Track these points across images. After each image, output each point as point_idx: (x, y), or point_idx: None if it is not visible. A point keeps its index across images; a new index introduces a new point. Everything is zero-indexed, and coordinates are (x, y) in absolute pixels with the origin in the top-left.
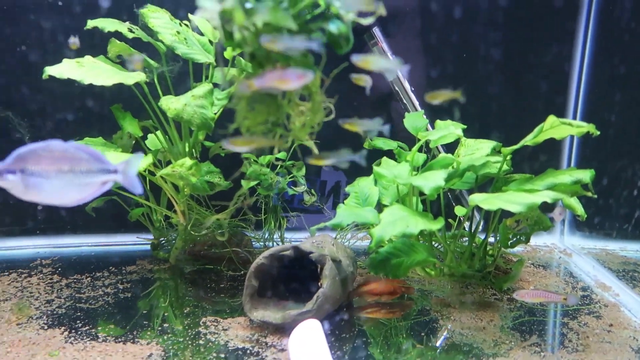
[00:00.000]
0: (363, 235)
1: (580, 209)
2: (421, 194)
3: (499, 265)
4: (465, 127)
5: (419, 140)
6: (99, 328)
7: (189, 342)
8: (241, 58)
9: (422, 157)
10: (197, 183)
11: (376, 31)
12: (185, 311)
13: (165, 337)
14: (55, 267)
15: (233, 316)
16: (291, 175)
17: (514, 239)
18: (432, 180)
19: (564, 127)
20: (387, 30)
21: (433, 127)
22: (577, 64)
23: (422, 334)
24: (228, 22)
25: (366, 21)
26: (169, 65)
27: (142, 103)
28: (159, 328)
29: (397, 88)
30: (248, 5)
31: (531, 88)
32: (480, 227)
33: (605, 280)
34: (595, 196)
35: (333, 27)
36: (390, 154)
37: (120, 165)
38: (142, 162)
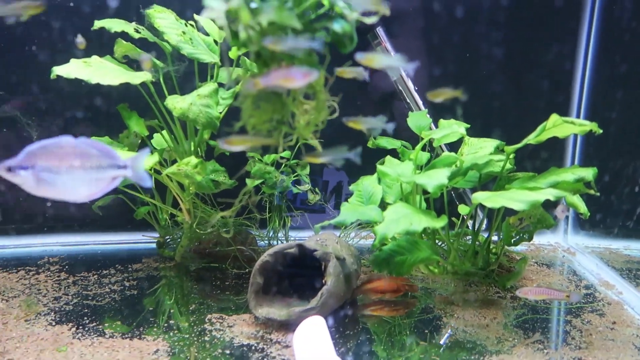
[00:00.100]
0: (367, 234)
1: (583, 207)
2: (425, 192)
3: (503, 263)
4: (468, 126)
5: (422, 139)
6: (106, 324)
7: (195, 339)
8: (246, 58)
9: (425, 155)
10: (202, 181)
11: (380, 31)
12: (190, 308)
13: (171, 334)
14: (62, 265)
15: (238, 313)
16: (295, 174)
17: (517, 237)
18: (436, 179)
19: (567, 126)
20: (390, 30)
21: (437, 127)
22: (580, 63)
23: (426, 331)
24: (234, 21)
25: (370, 20)
26: (175, 65)
27: (148, 103)
28: (165, 325)
29: (400, 87)
30: (253, 5)
31: (534, 87)
32: (484, 226)
33: (608, 278)
34: (598, 194)
35: (337, 26)
36: (394, 154)
37: (129, 161)
38: (148, 160)
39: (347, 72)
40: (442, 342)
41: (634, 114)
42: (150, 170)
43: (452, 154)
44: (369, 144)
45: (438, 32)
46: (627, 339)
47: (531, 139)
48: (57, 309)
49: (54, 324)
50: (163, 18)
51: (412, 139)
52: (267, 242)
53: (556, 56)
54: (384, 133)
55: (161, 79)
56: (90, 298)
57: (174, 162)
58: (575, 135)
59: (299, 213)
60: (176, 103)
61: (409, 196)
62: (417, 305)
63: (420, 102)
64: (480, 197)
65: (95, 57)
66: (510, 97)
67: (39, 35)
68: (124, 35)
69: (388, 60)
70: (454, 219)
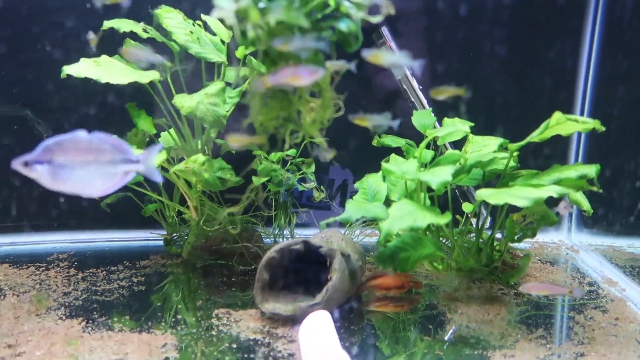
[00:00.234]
0: (371, 231)
1: (586, 204)
2: (429, 190)
3: (506, 260)
4: (472, 124)
5: (427, 137)
6: (115, 319)
7: (202, 333)
8: (252, 58)
9: (429, 153)
10: (209, 179)
11: (384, 30)
12: (197, 304)
13: (178, 328)
14: (71, 262)
15: (244, 308)
16: (301, 172)
17: (520, 234)
18: (440, 176)
19: (570, 124)
20: (394, 29)
21: (441, 125)
22: (584, 60)
23: (430, 327)
24: (243, 20)
25: (375, 19)
26: (183, 65)
27: (156, 101)
28: (173, 319)
29: (405, 86)
30: (262, 5)
31: (538, 85)
32: (488, 224)
33: (612, 275)
34: (601, 191)
35: (343, 25)
36: (399, 152)
37: (141, 156)
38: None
39: (331, 66)
40: (445, 337)
41: (637, 112)
42: (158, 167)
43: (456, 151)
44: (374, 143)
45: (442, 31)
46: (629, 334)
47: (534, 136)
48: (67, 303)
49: (64, 318)
50: (171, 18)
51: (417, 137)
52: (272, 239)
53: (560, 54)
54: (390, 131)
55: (169, 78)
56: (99, 294)
57: (181, 160)
58: (579, 133)
59: (304, 210)
60: (184, 101)
61: (414, 194)
62: (422, 301)
63: (424, 101)
64: (484, 194)
65: (104, 57)
66: (514, 95)
67: (50, 35)
68: (133, 36)
69: (394, 57)
70: (458, 217)
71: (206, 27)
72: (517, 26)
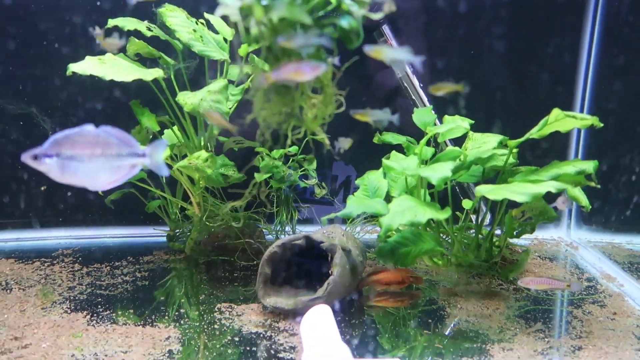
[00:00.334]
0: (372, 228)
1: (584, 200)
2: (429, 187)
3: (506, 256)
4: (472, 121)
5: (427, 134)
6: (119, 313)
7: (205, 327)
8: (254, 55)
9: (430, 150)
10: (212, 175)
11: (385, 28)
12: (200, 298)
13: (182, 322)
14: (76, 257)
15: (247, 303)
16: (302, 168)
17: (519, 230)
18: (440, 172)
19: (569, 120)
20: (395, 27)
21: (441, 123)
22: (584, 56)
23: (430, 321)
24: (246, 17)
25: (376, 16)
26: (186, 63)
27: (160, 99)
28: (176, 313)
29: (406, 84)
30: (265, 2)
31: (537, 82)
32: (488, 220)
33: (610, 271)
34: (599, 186)
35: (344, 22)
36: (400, 150)
37: (148, 149)
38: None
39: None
40: (446, 332)
41: (636, 108)
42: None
43: (456, 148)
44: (375, 140)
45: (442, 28)
46: (627, 328)
47: (533, 133)
48: (71, 297)
49: (69, 311)
50: (174, 16)
51: (418, 134)
52: (274, 235)
53: (559, 51)
54: (392, 128)
55: (172, 76)
56: (103, 288)
57: (184, 156)
58: (579, 130)
59: (307, 206)
60: (187, 99)
61: (414, 190)
62: (422, 296)
63: (425, 99)
64: (483, 189)
65: (109, 55)
66: (514, 92)
67: (56, 32)
68: (137, 34)
69: (395, 53)
70: (458, 213)
71: (209, 26)
72: (517, 23)
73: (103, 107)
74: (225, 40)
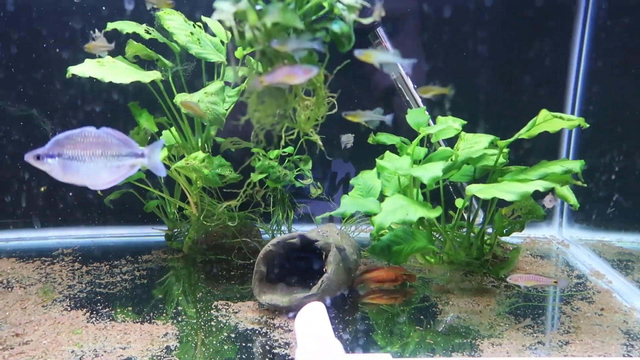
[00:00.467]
0: (367, 227)
1: (572, 199)
2: (422, 186)
3: (498, 254)
4: (465, 122)
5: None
6: (118, 310)
7: (202, 323)
8: (251, 57)
9: (423, 150)
10: (209, 175)
11: (380, 31)
12: (197, 296)
13: (179, 319)
14: (75, 256)
15: (243, 300)
16: (298, 168)
17: (509, 228)
18: (431, 171)
19: (556, 121)
20: (389, 30)
21: (435, 124)
22: (574, 58)
23: (422, 318)
24: (241, 22)
25: (367, 21)
26: (183, 65)
27: (158, 100)
28: (174, 311)
29: (400, 85)
30: (259, 7)
31: (530, 83)
32: (481, 219)
33: (599, 268)
34: (586, 185)
35: (336, 27)
36: (394, 150)
37: (146, 150)
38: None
39: None
40: (437, 328)
41: (628, 108)
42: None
43: (448, 148)
44: (370, 140)
45: (435, 31)
46: (613, 324)
47: (522, 133)
48: (71, 295)
49: (69, 309)
50: (172, 20)
51: (414, 135)
52: (271, 234)
53: (549, 53)
54: (388, 128)
55: (170, 78)
56: (102, 286)
57: (182, 157)
58: (570, 130)
59: (303, 206)
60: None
61: (407, 189)
62: (415, 293)
63: (419, 100)
64: (473, 189)
65: (108, 57)
66: (506, 94)
67: (56, 36)
68: (135, 37)
69: (385, 56)
70: (451, 212)
71: (206, 29)
72: (508, 24)
73: (102, 109)
74: (222, 42)
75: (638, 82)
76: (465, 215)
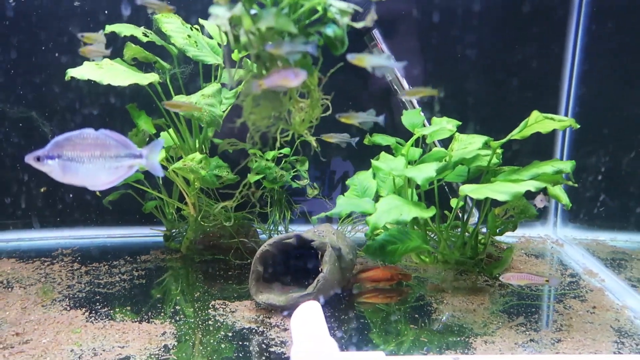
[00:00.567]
0: (363, 227)
1: (564, 199)
2: (417, 187)
3: (492, 253)
4: (460, 123)
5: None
6: (117, 310)
7: (199, 323)
8: (248, 60)
9: (417, 151)
10: (206, 176)
11: (376, 33)
12: (195, 296)
13: (177, 318)
14: (75, 257)
15: (240, 300)
16: (295, 169)
17: (502, 227)
18: (425, 172)
19: (547, 122)
20: (385, 32)
21: (430, 124)
22: (568, 60)
23: (417, 316)
24: (236, 27)
25: (359, 25)
26: (181, 67)
27: (156, 102)
28: (172, 310)
29: (395, 87)
30: (253, 12)
31: (525, 85)
32: (476, 219)
33: (593, 267)
34: (576, 185)
35: (329, 30)
36: (390, 151)
37: (144, 150)
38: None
39: None
40: (432, 326)
41: (624, 110)
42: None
43: (442, 149)
44: (365, 141)
45: (430, 34)
46: (605, 321)
47: (515, 134)
48: (71, 295)
49: (68, 309)
50: (170, 22)
51: (411, 136)
52: (268, 234)
53: (544, 55)
54: (385, 129)
55: (168, 80)
56: (101, 286)
57: (179, 158)
58: (564, 131)
59: (300, 205)
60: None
61: (402, 190)
62: (410, 292)
63: (414, 101)
64: (467, 189)
65: (106, 60)
66: (502, 95)
67: (56, 40)
68: (134, 39)
69: (377, 60)
70: (447, 212)
71: (202, 31)
72: (500, 29)
73: (100, 111)
74: (219, 45)
75: (631, 83)
76: (461, 215)
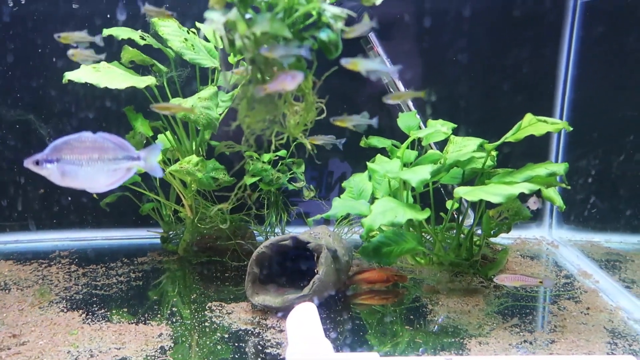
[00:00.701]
0: (359, 229)
1: (558, 200)
2: (413, 189)
3: (487, 255)
4: (455, 125)
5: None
6: (113, 311)
7: (196, 324)
8: (244, 62)
9: (413, 154)
10: (203, 178)
11: (372, 36)
12: (192, 297)
13: (174, 320)
14: (72, 258)
15: (236, 301)
16: (291, 171)
17: (496, 229)
18: (419, 174)
19: (541, 124)
20: (381, 35)
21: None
22: (562, 62)
23: (412, 317)
24: (231, 31)
25: (351, 36)
26: (178, 70)
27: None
28: (168, 312)
29: (391, 90)
30: (248, 17)
31: (519, 88)
32: (471, 220)
33: (587, 268)
34: (569, 187)
35: (323, 35)
36: (386, 153)
37: (142, 153)
38: None
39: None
40: (427, 327)
41: (617, 113)
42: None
43: (437, 151)
44: (362, 144)
45: (427, 35)
46: (599, 322)
47: (508, 137)
48: (68, 297)
49: (65, 310)
50: (166, 26)
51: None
52: (264, 236)
53: (539, 59)
54: (383, 131)
55: (165, 83)
56: (98, 288)
57: (176, 161)
58: (558, 135)
59: (296, 207)
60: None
61: (397, 192)
62: (406, 294)
63: (410, 103)
64: (461, 191)
65: (103, 63)
66: (498, 97)
67: (52, 43)
68: (131, 43)
69: (371, 64)
70: (442, 214)
71: (200, 34)
72: (500, 29)
73: (97, 114)
74: (215, 48)
75: (623, 86)
76: (456, 217)
